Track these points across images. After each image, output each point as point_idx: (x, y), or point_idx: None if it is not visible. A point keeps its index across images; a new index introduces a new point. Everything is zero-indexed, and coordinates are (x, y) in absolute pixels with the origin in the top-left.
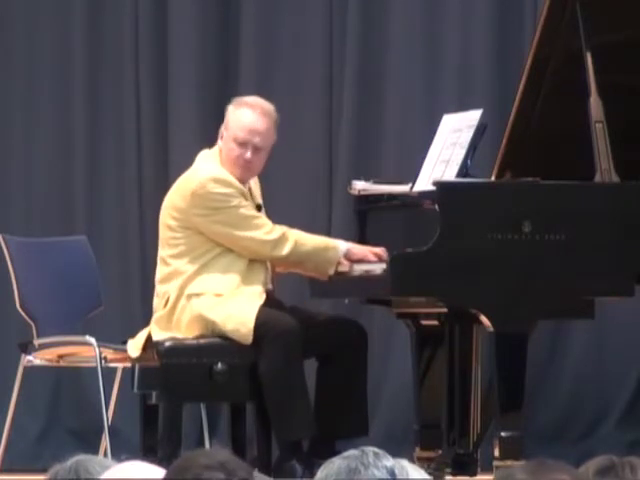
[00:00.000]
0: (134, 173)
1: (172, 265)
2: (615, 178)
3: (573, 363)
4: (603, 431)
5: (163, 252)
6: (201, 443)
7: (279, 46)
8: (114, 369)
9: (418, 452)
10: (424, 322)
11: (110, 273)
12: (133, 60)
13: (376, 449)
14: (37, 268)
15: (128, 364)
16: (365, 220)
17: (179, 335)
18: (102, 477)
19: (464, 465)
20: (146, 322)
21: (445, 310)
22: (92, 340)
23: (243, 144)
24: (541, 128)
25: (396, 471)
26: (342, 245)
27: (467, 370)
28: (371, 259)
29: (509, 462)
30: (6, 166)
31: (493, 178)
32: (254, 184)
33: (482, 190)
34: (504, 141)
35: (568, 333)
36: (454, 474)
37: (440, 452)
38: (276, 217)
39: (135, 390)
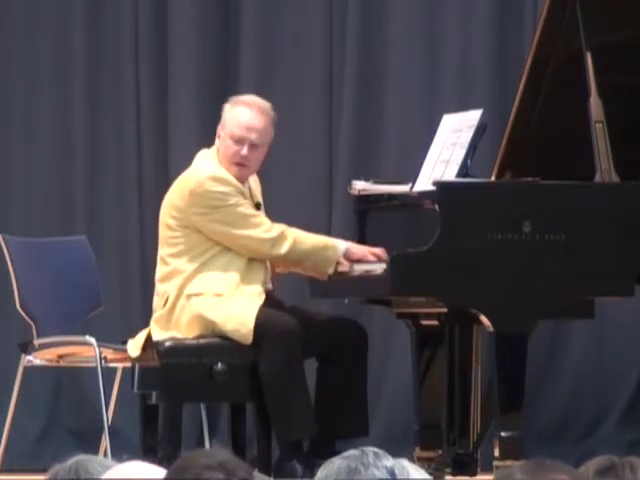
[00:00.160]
0: (134, 173)
1: (171, 264)
2: (615, 178)
3: (573, 363)
4: (603, 431)
5: (162, 251)
6: (201, 443)
7: (279, 46)
8: (114, 369)
9: (418, 452)
10: (424, 322)
11: (110, 273)
12: (133, 60)
13: (376, 449)
14: (37, 268)
15: (128, 364)
16: (365, 220)
17: (179, 335)
18: (102, 477)
19: (464, 465)
20: (146, 322)
21: (445, 310)
22: (92, 340)
23: (240, 141)
24: (541, 128)
25: (396, 471)
26: (341, 244)
27: (467, 370)
28: (370, 259)
29: (509, 462)
30: (6, 166)
31: (493, 178)
32: (254, 183)
33: (482, 190)
34: (504, 141)
35: (568, 333)
36: (454, 474)
37: (440, 452)
38: (276, 217)
39: (135, 390)
